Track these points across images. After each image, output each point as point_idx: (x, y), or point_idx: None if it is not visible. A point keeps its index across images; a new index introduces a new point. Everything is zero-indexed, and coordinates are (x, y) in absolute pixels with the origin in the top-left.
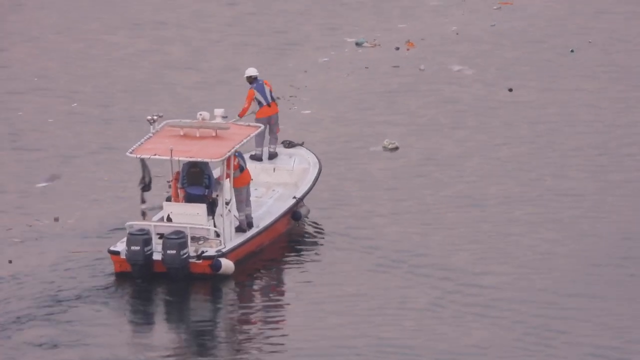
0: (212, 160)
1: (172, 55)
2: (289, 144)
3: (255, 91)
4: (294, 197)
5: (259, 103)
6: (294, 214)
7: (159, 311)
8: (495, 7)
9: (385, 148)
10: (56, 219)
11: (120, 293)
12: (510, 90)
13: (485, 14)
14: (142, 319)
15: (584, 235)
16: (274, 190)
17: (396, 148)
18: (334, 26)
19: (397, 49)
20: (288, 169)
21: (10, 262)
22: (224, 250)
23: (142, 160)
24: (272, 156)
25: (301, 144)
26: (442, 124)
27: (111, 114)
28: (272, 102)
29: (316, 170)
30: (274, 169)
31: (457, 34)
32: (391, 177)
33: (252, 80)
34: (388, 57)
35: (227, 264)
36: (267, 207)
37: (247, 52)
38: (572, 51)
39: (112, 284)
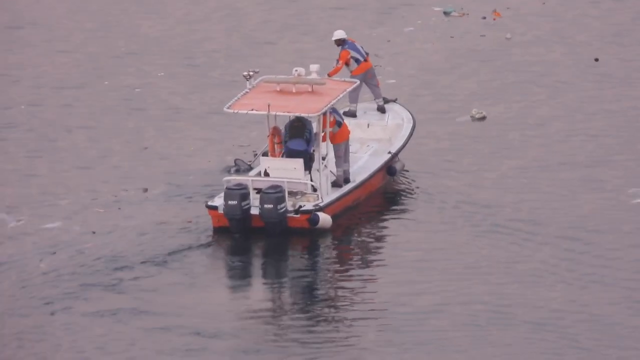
0: (309, 115)
1: (269, 16)
2: (384, 100)
3: (350, 50)
4: (389, 152)
5: (356, 60)
6: (389, 169)
7: (257, 266)
8: None
9: (473, 118)
10: (145, 190)
11: (218, 248)
12: (597, 60)
13: None
14: (240, 274)
15: None
16: (368, 145)
17: (484, 117)
18: None
19: (484, 18)
20: (382, 124)
21: (93, 232)
22: (321, 204)
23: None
24: (382, 109)
25: (394, 100)
26: (529, 92)
27: (203, 76)
28: (367, 56)
29: (410, 126)
30: (368, 125)
31: (544, 3)
32: (480, 143)
33: (341, 42)
34: (475, 27)
35: (324, 218)
36: (362, 163)
37: (332, 21)
38: None
39: (211, 239)
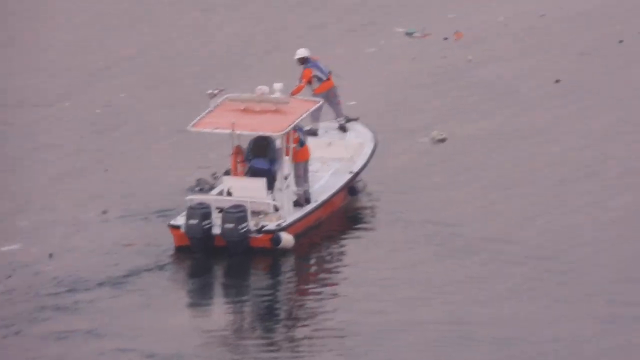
0: (274, 134)
1: (225, 35)
2: (346, 119)
3: (312, 69)
4: (351, 172)
5: (319, 79)
6: (350, 189)
7: (217, 286)
8: None
9: (434, 139)
10: (104, 212)
11: (179, 268)
12: (558, 81)
13: (534, 2)
14: (200, 294)
15: None
16: (329, 165)
17: (444, 139)
18: (384, 16)
19: (446, 39)
20: (343, 143)
21: (50, 255)
22: (284, 224)
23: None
24: (343, 128)
25: (356, 119)
26: (490, 113)
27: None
28: (329, 74)
29: (372, 145)
30: (330, 144)
31: (506, 25)
32: (442, 164)
33: (303, 61)
34: (436, 48)
35: (287, 238)
36: (324, 182)
37: (295, 41)
38: (620, 42)
39: (171, 259)
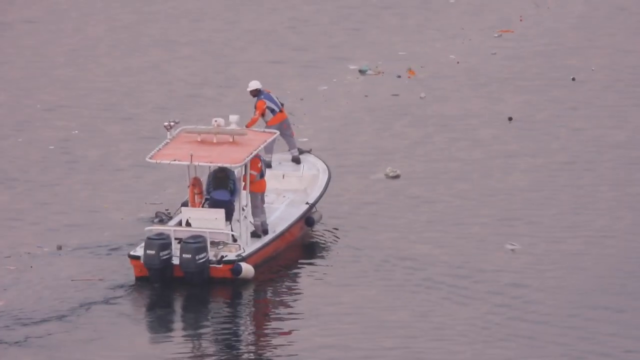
0: (232, 165)
1: (180, 70)
2: (298, 151)
3: (266, 100)
4: (307, 203)
5: (272, 111)
6: (307, 219)
7: (176, 316)
8: (495, 35)
9: (387, 176)
10: (59, 247)
11: (139, 298)
12: (510, 119)
13: (486, 42)
14: (159, 324)
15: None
16: (284, 196)
17: (398, 176)
18: (337, 53)
19: (399, 77)
20: (297, 175)
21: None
22: (243, 254)
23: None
24: (297, 160)
25: (309, 151)
26: (444, 151)
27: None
28: (282, 107)
29: (326, 176)
30: (283, 176)
31: (458, 62)
32: (396, 199)
33: (256, 93)
34: (389, 85)
35: (247, 268)
36: (279, 213)
37: (249, 75)
38: (573, 79)
39: (126, 292)
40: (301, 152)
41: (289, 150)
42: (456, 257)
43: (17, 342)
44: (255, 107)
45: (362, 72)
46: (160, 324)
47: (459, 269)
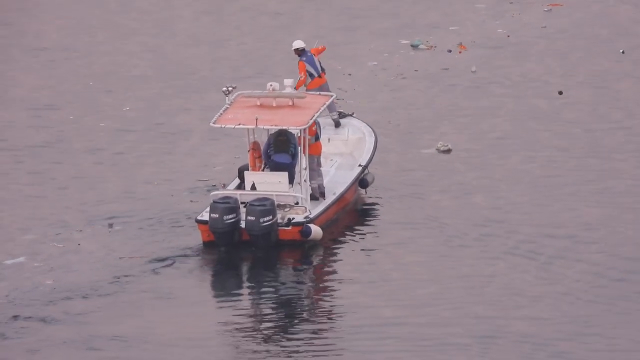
0: (298, 127)
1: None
2: (340, 115)
3: (306, 64)
4: (360, 165)
5: (310, 75)
6: (361, 181)
7: (240, 281)
8: (545, 9)
9: (438, 150)
10: (110, 225)
11: (205, 262)
12: (561, 93)
13: (535, 15)
14: (224, 287)
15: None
16: (331, 159)
17: (449, 150)
18: (389, 28)
19: (450, 51)
20: (343, 138)
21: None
22: (311, 216)
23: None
24: (337, 124)
25: (352, 114)
26: (494, 126)
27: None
28: (322, 72)
29: (372, 139)
30: (329, 140)
31: (508, 36)
32: (446, 174)
33: (300, 52)
34: (440, 60)
35: (316, 230)
36: (331, 177)
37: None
38: (622, 52)
39: (199, 253)
40: (343, 115)
41: (330, 114)
42: (505, 223)
43: (63, 320)
44: (299, 69)
45: (414, 46)
46: (223, 289)
47: (506, 230)
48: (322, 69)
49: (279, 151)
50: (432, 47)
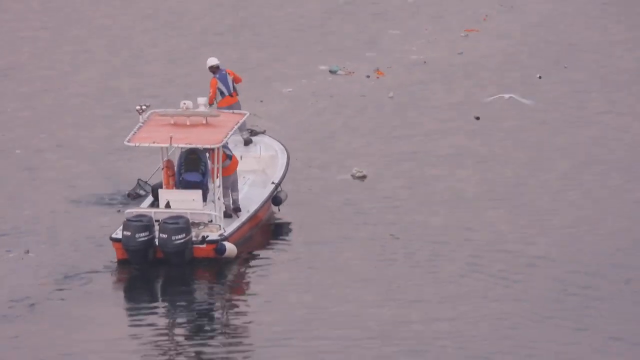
0: (212, 146)
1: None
2: (252, 132)
3: (218, 81)
4: (273, 182)
5: (221, 93)
6: (274, 198)
7: (153, 298)
8: (462, 35)
9: (353, 176)
10: (26, 251)
11: (119, 280)
12: (477, 118)
13: (452, 41)
14: (138, 306)
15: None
16: (244, 177)
17: (364, 177)
18: (308, 54)
19: (368, 77)
20: (255, 156)
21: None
22: (225, 234)
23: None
24: (248, 142)
25: (263, 132)
26: (411, 151)
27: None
28: (233, 92)
29: (285, 156)
30: (241, 157)
31: (425, 62)
32: (360, 203)
33: (214, 69)
34: (358, 86)
35: (230, 247)
36: (244, 194)
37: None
38: (539, 77)
39: (112, 271)
40: (255, 133)
41: (240, 132)
42: (425, 244)
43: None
44: (210, 85)
45: (332, 72)
46: (137, 307)
47: (425, 250)
48: (234, 89)
49: (190, 170)
50: (350, 72)
